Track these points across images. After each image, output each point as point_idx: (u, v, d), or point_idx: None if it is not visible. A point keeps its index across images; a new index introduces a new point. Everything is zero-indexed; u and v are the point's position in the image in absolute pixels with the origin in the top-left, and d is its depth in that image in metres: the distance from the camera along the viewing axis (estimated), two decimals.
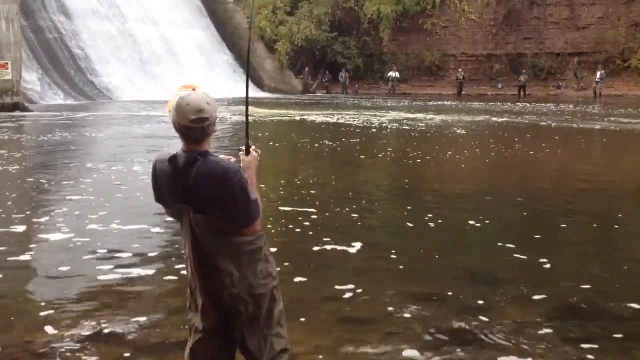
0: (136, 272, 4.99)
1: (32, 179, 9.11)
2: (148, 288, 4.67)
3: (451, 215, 7.14)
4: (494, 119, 20.44)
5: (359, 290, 4.54)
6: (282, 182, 9.14)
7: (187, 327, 2.78)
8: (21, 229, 6.28)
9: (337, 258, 5.42)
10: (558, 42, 37.22)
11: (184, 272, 2.94)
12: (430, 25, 38.13)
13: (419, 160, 11.35)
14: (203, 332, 2.67)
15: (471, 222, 6.66)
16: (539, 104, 28.32)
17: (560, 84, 36.80)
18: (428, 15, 38.22)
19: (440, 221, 6.74)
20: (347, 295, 4.47)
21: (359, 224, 6.61)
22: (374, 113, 22.75)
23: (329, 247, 5.63)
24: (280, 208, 7.23)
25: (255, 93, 35.19)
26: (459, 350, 3.59)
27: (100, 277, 4.86)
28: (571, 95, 34.61)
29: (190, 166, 2.53)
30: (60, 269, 5.09)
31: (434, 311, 4.17)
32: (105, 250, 5.55)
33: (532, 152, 12.41)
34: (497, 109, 25.36)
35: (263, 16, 38.05)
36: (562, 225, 6.77)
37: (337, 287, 4.61)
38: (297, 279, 4.78)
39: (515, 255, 5.48)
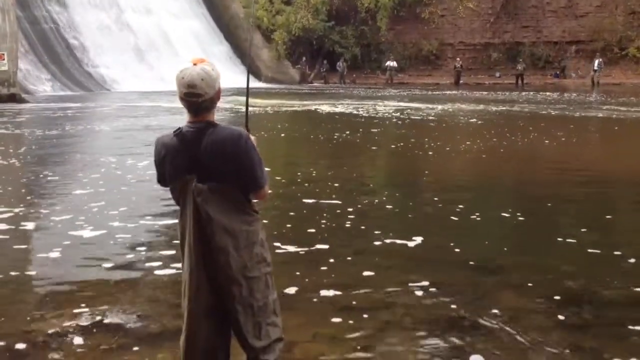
0: (136, 263, 5.00)
1: (44, 174, 8.97)
2: (148, 278, 4.68)
3: (459, 205, 7.07)
4: (495, 107, 20.44)
5: (358, 281, 4.55)
6: (299, 174, 9.01)
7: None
8: (32, 225, 6.27)
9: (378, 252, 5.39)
10: (556, 30, 37.15)
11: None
12: (428, 13, 37.98)
13: (431, 153, 11.14)
14: (196, 317, 2.68)
15: (475, 212, 6.66)
16: (538, 93, 28.27)
17: (558, 72, 36.76)
18: (425, 3, 38.10)
19: (449, 210, 6.76)
20: (345, 284, 4.47)
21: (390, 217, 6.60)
22: (375, 102, 22.73)
23: (388, 241, 5.55)
24: (304, 200, 7.16)
25: (252, 83, 34.77)
26: (456, 337, 3.62)
27: (100, 268, 4.87)
28: (569, 84, 34.59)
29: (200, 135, 2.57)
30: (59, 260, 5.09)
31: (431, 299, 4.19)
32: (106, 241, 5.55)
33: (547, 141, 12.39)
34: (497, 98, 25.36)
35: (260, 5, 37.84)
36: (561, 214, 6.77)
37: (335, 277, 4.62)
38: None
39: (512, 245, 5.50)
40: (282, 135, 13.98)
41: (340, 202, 6.98)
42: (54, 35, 29.71)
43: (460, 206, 6.81)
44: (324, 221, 6.18)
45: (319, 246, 5.35)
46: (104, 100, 23.73)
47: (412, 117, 17.33)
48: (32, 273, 4.86)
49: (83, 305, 4.09)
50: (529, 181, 8.73)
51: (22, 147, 11.83)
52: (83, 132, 14.24)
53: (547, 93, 28.16)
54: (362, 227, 5.98)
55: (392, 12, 37.87)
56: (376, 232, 5.78)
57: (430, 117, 17.37)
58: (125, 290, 4.41)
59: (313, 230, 5.83)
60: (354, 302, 4.13)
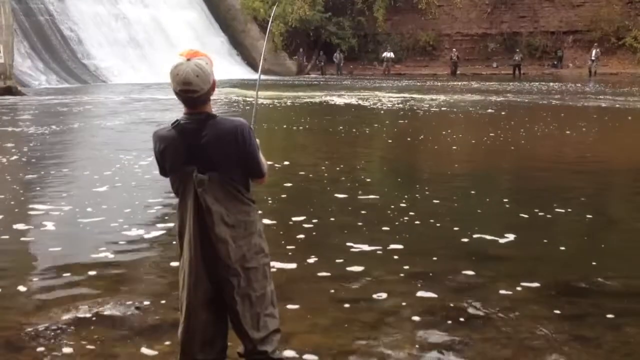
0: (135, 254, 4.99)
1: (60, 173, 8.70)
2: (146, 270, 4.66)
3: (504, 198, 6.98)
4: (496, 98, 20.37)
5: (356, 271, 4.54)
6: (323, 168, 8.70)
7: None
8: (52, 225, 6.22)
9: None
10: (553, 20, 37.09)
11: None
12: (425, 4, 37.77)
13: (455, 147, 10.90)
14: (194, 308, 2.69)
15: (474, 200, 6.65)
16: (538, 83, 28.21)
17: (555, 62, 36.74)
18: None
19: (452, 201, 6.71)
20: (344, 275, 4.46)
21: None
22: (377, 94, 22.58)
23: (476, 236, 5.41)
24: (336, 195, 7.00)
25: (249, 74, 34.89)
26: (452, 327, 3.62)
27: (98, 260, 4.83)
28: (566, 74, 34.59)
29: (200, 127, 2.59)
30: (57, 250, 5.04)
31: (429, 290, 4.18)
32: (105, 232, 5.52)
33: (568, 132, 12.33)
34: (497, 88, 25.28)
35: None
36: (559, 203, 6.70)
37: (334, 268, 4.60)
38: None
39: (509, 233, 5.48)
40: (300, 128, 13.87)
41: (378, 197, 6.82)
42: (50, 27, 29.33)
43: (505, 200, 6.68)
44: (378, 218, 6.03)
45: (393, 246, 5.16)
46: (104, 93, 23.42)
47: (420, 108, 17.23)
48: (31, 268, 4.82)
49: (81, 297, 4.06)
50: (549, 176, 8.62)
51: (31, 143, 11.10)
52: (92, 128, 13.87)
53: (550, 83, 28.03)
54: (438, 225, 5.80)
55: (389, 2, 37.68)
56: (455, 228, 5.64)
57: (442, 109, 17.23)
58: (123, 282, 4.38)
59: (388, 228, 5.63)
60: (351, 293, 4.12)
